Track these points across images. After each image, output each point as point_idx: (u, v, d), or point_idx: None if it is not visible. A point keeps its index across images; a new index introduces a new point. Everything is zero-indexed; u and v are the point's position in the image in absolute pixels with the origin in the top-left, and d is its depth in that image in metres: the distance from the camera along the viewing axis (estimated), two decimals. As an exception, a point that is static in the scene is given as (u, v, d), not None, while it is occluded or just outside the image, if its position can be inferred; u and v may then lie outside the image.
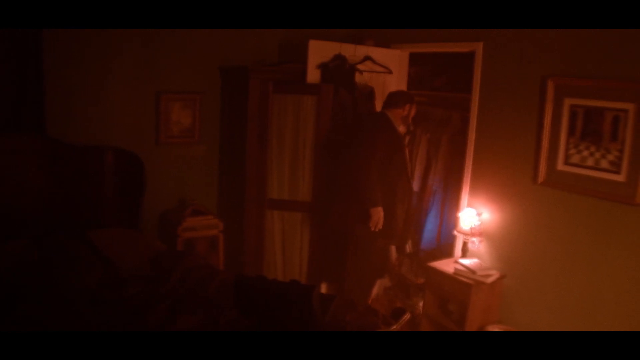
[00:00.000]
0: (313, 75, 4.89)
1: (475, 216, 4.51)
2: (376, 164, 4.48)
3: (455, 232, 4.72)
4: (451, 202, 5.14)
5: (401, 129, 4.85)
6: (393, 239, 4.81)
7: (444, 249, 5.14)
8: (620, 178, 3.70)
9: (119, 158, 4.75)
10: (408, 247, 5.31)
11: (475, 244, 4.53)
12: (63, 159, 4.51)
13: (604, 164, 3.78)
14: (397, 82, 5.26)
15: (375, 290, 5.26)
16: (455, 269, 4.47)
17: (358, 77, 4.95)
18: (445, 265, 4.60)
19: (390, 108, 4.73)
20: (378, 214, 4.50)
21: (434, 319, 4.72)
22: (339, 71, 4.85)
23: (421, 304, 5.02)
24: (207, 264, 4.24)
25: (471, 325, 4.33)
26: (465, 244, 4.64)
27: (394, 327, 3.96)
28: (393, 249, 5.37)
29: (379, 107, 5.04)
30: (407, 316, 4.59)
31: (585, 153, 3.87)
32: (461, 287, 4.36)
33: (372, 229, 4.53)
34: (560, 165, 4.04)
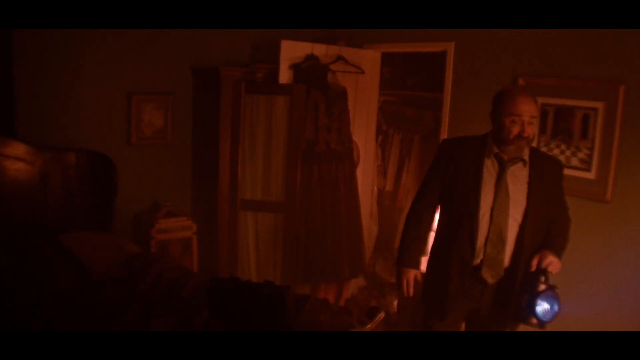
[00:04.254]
0: (285, 75, 4.88)
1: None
2: (425, 206, 3.43)
3: (428, 231, 4.72)
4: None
5: (512, 150, 3.03)
6: (443, 316, 3.29)
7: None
8: (590, 176, 3.75)
9: (90, 160, 4.68)
10: None
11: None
12: (34, 161, 4.45)
13: (575, 161, 3.82)
14: (369, 82, 5.27)
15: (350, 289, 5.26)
16: (429, 268, 4.46)
17: (330, 77, 4.95)
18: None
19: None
20: (404, 276, 3.44)
21: (408, 318, 4.73)
22: (311, 71, 4.84)
23: (396, 302, 5.04)
24: (180, 266, 4.22)
25: (445, 324, 4.35)
26: (438, 243, 4.62)
27: (369, 327, 3.95)
28: None
29: (351, 106, 5.04)
30: (381, 315, 4.58)
31: (556, 151, 3.91)
32: (435, 285, 4.36)
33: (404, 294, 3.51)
34: (532, 164, 4.07)
